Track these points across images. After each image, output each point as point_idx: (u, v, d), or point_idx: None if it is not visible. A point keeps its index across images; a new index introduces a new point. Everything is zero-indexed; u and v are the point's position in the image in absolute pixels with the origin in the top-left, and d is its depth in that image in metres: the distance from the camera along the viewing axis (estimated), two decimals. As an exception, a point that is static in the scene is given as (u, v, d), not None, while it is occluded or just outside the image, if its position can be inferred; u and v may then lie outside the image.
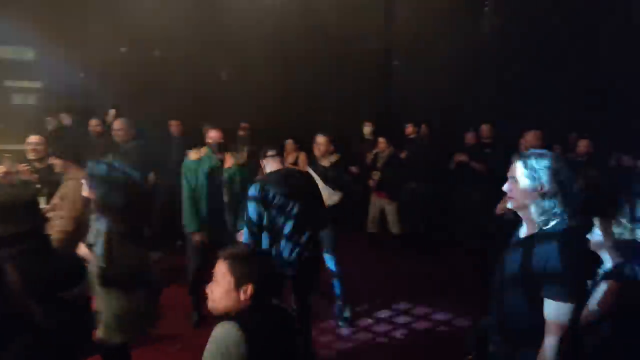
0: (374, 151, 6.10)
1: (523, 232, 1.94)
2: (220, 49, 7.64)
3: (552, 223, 1.80)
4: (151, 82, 7.33)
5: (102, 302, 2.37)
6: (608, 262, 2.34)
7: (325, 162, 4.44)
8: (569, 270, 1.71)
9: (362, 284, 5.10)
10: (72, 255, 2.33)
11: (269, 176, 3.28)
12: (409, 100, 7.37)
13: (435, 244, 6.41)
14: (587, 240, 2.07)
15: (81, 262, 2.19)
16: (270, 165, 3.32)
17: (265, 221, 3.19)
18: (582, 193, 2.23)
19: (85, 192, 2.59)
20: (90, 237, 2.47)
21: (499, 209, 3.18)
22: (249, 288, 1.62)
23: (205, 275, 3.83)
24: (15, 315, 1.30)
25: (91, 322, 2.22)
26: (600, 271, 2.31)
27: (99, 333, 2.38)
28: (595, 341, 2.27)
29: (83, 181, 2.59)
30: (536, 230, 1.84)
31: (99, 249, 2.39)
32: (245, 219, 3.23)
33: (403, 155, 6.23)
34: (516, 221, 2.53)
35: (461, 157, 6.22)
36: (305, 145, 4.94)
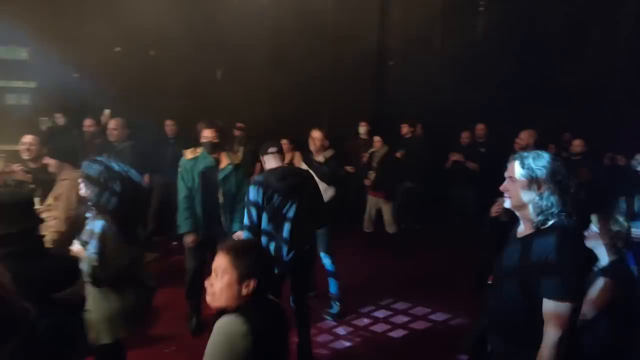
0: (370, 151, 6.11)
1: (521, 231, 1.94)
2: (215, 49, 7.63)
3: (550, 222, 1.81)
4: (146, 82, 7.30)
5: (92, 302, 2.36)
6: (603, 258, 2.36)
7: (320, 158, 4.47)
8: (568, 269, 1.72)
9: (358, 282, 5.11)
10: (65, 255, 2.32)
11: (268, 173, 3.29)
12: (403, 100, 7.38)
13: (431, 243, 6.44)
14: (584, 238, 2.09)
15: (75, 262, 2.18)
16: (270, 162, 3.32)
17: (263, 218, 3.20)
18: (579, 191, 2.24)
19: (82, 192, 2.57)
20: (84, 236, 2.46)
21: (493, 210, 3.18)
22: (252, 282, 1.62)
23: (203, 278, 3.85)
24: (9, 315, 1.30)
25: (85, 323, 2.21)
26: (595, 268, 2.32)
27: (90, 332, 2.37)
28: (594, 340, 2.28)
29: (79, 181, 2.57)
30: (534, 229, 1.85)
31: (91, 248, 2.38)
32: (244, 216, 3.24)
33: (399, 155, 6.24)
34: (511, 223, 2.55)
35: (456, 157, 6.25)
36: (300, 145, 4.95)
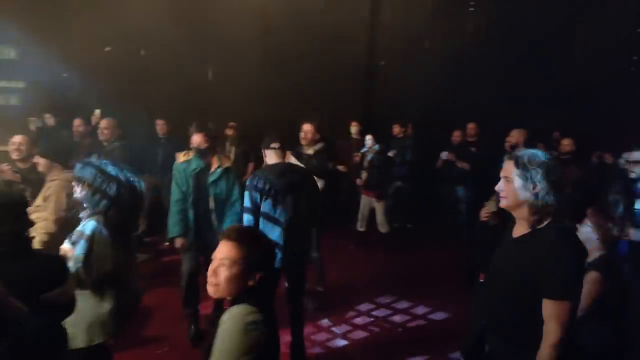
0: (362, 150, 6.13)
1: (516, 230, 1.94)
2: (206, 49, 7.61)
3: (546, 222, 1.82)
4: (136, 82, 7.26)
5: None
6: (593, 254, 2.39)
7: (310, 151, 4.52)
8: (566, 269, 1.73)
9: (351, 281, 5.14)
10: (53, 256, 2.29)
11: (267, 169, 3.32)
12: (394, 99, 7.41)
13: (423, 242, 6.48)
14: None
15: (64, 263, 2.16)
16: (271, 157, 3.34)
17: (260, 214, 3.23)
18: (574, 190, 2.27)
19: (75, 194, 2.55)
20: (74, 236, 2.44)
21: (482, 214, 3.20)
22: (259, 274, 1.60)
23: (199, 282, 3.82)
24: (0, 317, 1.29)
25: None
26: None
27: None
28: (589, 339, 2.30)
29: (73, 183, 2.55)
30: (530, 230, 1.85)
31: (79, 249, 2.36)
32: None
33: (391, 154, 6.27)
34: (500, 226, 2.56)
35: (448, 156, 6.29)
36: (291, 144, 4.95)
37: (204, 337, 2.30)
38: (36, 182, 3.40)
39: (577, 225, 2.45)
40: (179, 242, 3.74)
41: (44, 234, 3.00)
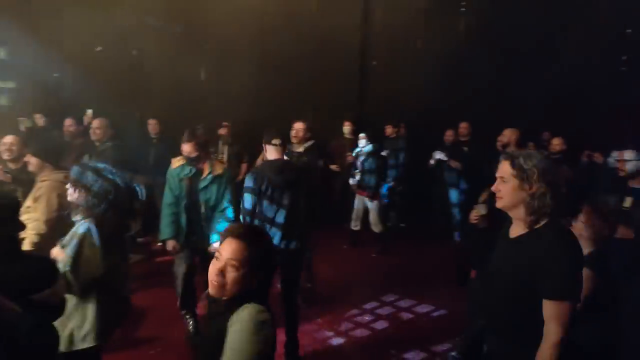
0: (355, 150, 6.14)
1: (513, 230, 1.94)
2: (199, 49, 7.58)
3: (543, 222, 1.82)
4: (128, 82, 7.22)
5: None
6: (583, 251, 2.41)
7: (300, 149, 4.57)
8: (565, 269, 1.74)
9: (346, 279, 5.15)
10: (43, 257, 2.27)
11: (266, 165, 3.39)
12: (387, 99, 7.43)
13: (416, 241, 6.51)
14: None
15: (53, 265, 2.14)
16: (271, 152, 3.40)
17: (257, 210, 3.29)
18: (570, 190, 2.28)
19: (69, 196, 2.53)
20: (66, 239, 2.42)
21: (471, 217, 3.22)
22: (263, 273, 1.60)
23: (194, 284, 3.83)
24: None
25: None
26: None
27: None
28: (584, 337, 2.33)
29: (68, 186, 2.53)
30: (527, 230, 1.85)
31: (69, 250, 2.35)
32: (241, 206, 3.35)
33: (384, 154, 6.29)
34: (490, 229, 2.57)
35: (440, 155, 6.32)
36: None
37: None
38: (27, 182, 3.37)
39: (573, 222, 2.47)
40: (170, 245, 3.78)
41: (35, 235, 2.97)
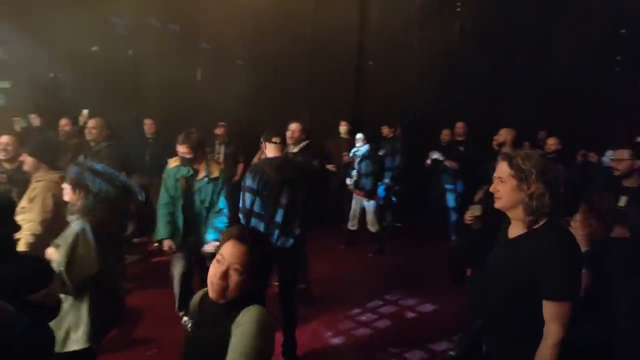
0: (353, 150, 6.14)
1: (512, 231, 1.94)
2: (195, 49, 7.56)
3: (541, 222, 1.82)
4: (124, 82, 7.19)
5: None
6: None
7: (295, 149, 4.60)
8: (565, 270, 1.74)
9: (343, 279, 5.15)
10: (39, 258, 2.27)
11: (266, 162, 3.42)
12: (383, 99, 7.44)
13: (412, 240, 6.52)
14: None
15: (49, 265, 2.14)
16: (271, 150, 3.44)
17: (256, 207, 3.32)
18: (568, 190, 2.29)
19: (66, 196, 2.52)
20: (60, 238, 2.42)
21: (466, 218, 3.23)
22: (263, 275, 1.63)
23: (192, 285, 3.82)
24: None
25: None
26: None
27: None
28: (579, 335, 2.34)
29: (65, 185, 2.52)
30: (526, 230, 1.85)
31: (63, 249, 2.34)
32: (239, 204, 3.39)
33: (381, 154, 6.30)
34: (483, 230, 2.56)
35: (436, 155, 6.33)
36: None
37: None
38: (22, 182, 3.36)
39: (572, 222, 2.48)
40: (166, 245, 3.77)
41: (30, 236, 2.96)
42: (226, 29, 7.16)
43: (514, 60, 7.74)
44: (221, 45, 7.55)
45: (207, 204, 3.72)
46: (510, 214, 1.92)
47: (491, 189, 1.92)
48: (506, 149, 3.94)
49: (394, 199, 6.66)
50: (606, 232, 2.61)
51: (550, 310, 1.74)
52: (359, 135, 6.02)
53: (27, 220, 2.99)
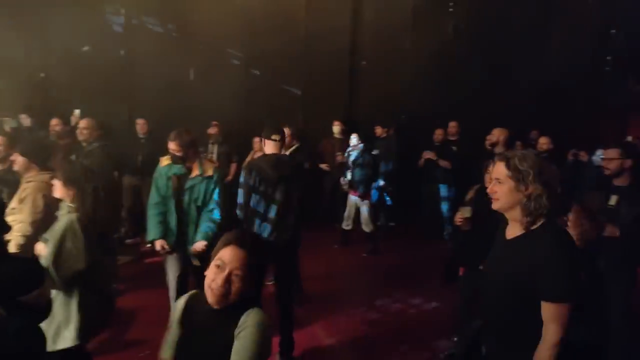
0: (347, 150, 6.15)
1: (509, 232, 1.94)
2: (187, 48, 7.52)
3: (539, 223, 1.81)
4: (116, 82, 7.14)
5: None
6: None
7: (287, 152, 4.65)
8: (564, 271, 1.74)
9: (339, 279, 5.16)
10: (30, 259, 2.25)
11: (263, 159, 3.46)
12: (376, 99, 7.46)
13: (406, 239, 6.54)
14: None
15: (40, 266, 2.12)
16: (270, 147, 3.48)
17: (252, 203, 3.38)
18: (565, 191, 2.30)
19: (56, 193, 2.51)
20: (48, 233, 2.40)
21: (456, 219, 3.22)
22: (260, 279, 1.67)
23: (188, 287, 3.80)
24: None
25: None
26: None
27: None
28: (572, 335, 2.35)
29: (54, 181, 2.51)
30: (523, 231, 1.85)
31: (50, 245, 2.33)
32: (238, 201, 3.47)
33: (375, 153, 6.31)
34: (474, 232, 2.55)
35: (429, 155, 6.36)
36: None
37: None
38: (13, 183, 3.33)
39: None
40: (158, 245, 3.69)
41: (21, 237, 2.94)
42: (219, 29, 7.14)
43: (507, 60, 7.79)
44: (214, 45, 7.52)
45: (199, 203, 3.66)
46: (507, 215, 1.91)
47: (488, 190, 1.92)
48: (499, 149, 3.96)
49: (387, 199, 6.69)
50: (598, 231, 2.63)
51: (549, 311, 1.75)
52: (354, 136, 6.02)
53: (18, 221, 2.97)
